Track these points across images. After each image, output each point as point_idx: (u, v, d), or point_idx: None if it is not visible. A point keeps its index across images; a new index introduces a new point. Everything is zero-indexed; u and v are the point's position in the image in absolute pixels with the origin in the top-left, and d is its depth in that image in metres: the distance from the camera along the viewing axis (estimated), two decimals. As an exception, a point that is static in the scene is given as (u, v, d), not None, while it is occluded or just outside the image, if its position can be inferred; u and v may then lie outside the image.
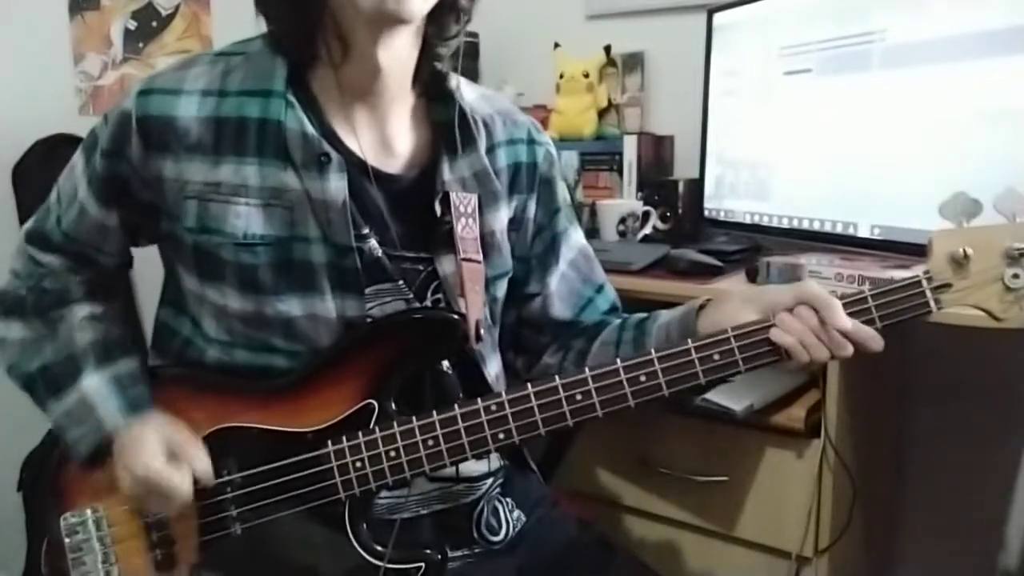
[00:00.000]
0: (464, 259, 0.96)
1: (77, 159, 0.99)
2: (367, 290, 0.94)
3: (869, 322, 0.86)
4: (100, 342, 0.99)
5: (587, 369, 0.89)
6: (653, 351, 0.88)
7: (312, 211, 0.91)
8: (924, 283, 0.86)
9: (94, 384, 0.95)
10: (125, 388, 0.95)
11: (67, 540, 0.94)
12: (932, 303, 0.86)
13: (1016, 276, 0.85)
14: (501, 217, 1.03)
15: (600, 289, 1.14)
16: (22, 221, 2.00)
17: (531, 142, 1.07)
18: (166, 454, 0.89)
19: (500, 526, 1.05)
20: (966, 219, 0.87)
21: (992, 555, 1.68)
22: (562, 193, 1.12)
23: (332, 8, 0.89)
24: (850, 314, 0.86)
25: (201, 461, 0.90)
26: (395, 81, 0.96)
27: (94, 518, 0.94)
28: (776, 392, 1.36)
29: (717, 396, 1.32)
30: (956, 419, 1.68)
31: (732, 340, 0.88)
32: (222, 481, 0.92)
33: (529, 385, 0.89)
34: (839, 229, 1.42)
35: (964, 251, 0.85)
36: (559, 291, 1.10)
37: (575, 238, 1.13)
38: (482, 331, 0.96)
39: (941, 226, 0.88)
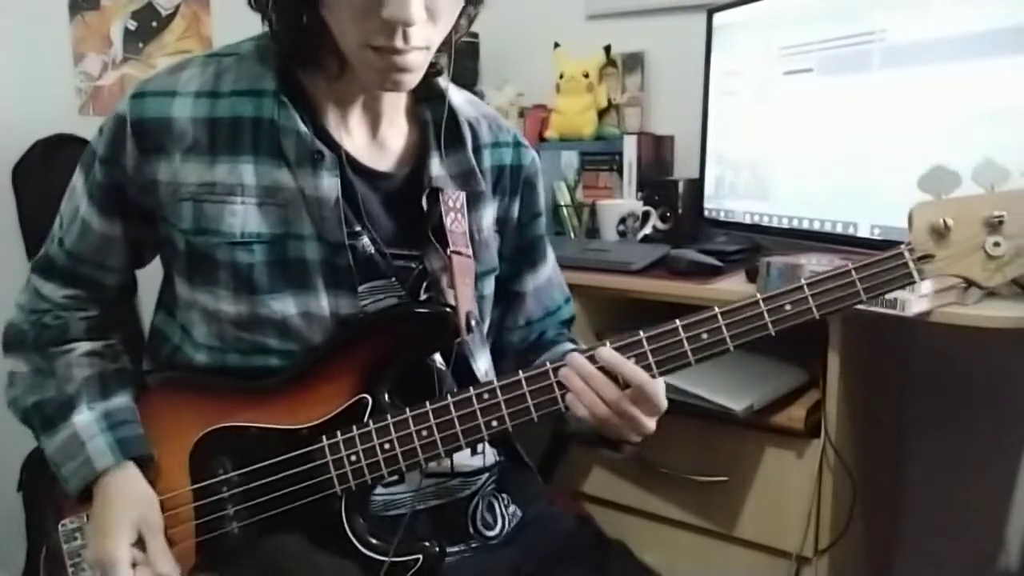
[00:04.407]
0: (454, 252, 0.97)
1: (76, 178, 0.99)
2: (361, 288, 0.94)
3: (854, 295, 0.86)
4: (96, 377, 0.97)
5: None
6: (642, 332, 0.89)
7: (306, 209, 0.92)
8: (907, 254, 0.86)
9: (85, 420, 0.94)
10: (115, 425, 0.94)
11: (65, 546, 0.94)
12: (915, 274, 0.86)
13: (997, 244, 0.85)
14: (487, 215, 1.05)
15: (568, 300, 1.19)
16: (22, 221, 2.00)
17: (517, 145, 1.09)
18: (134, 539, 0.89)
19: (496, 521, 1.05)
20: (945, 191, 0.87)
21: (992, 555, 1.68)
22: (543, 201, 1.14)
23: (333, 39, 0.88)
24: (834, 287, 0.86)
25: (165, 564, 0.89)
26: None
27: (92, 523, 0.94)
28: (776, 392, 1.36)
29: (717, 396, 1.32)
30: (956, 419, 1.67)
31: (720, 317, 0.88)
32: (218, 480, 0.92)
33: (520, 371, 0.90)
34: (839, 229, 1.42)
35: (945, 222, 0.85)
36: (535, 294, 1.13)
37: (550, 248, 1.17)
38: (472, 323, 0.96)
39: (921, 199, 0.88)
